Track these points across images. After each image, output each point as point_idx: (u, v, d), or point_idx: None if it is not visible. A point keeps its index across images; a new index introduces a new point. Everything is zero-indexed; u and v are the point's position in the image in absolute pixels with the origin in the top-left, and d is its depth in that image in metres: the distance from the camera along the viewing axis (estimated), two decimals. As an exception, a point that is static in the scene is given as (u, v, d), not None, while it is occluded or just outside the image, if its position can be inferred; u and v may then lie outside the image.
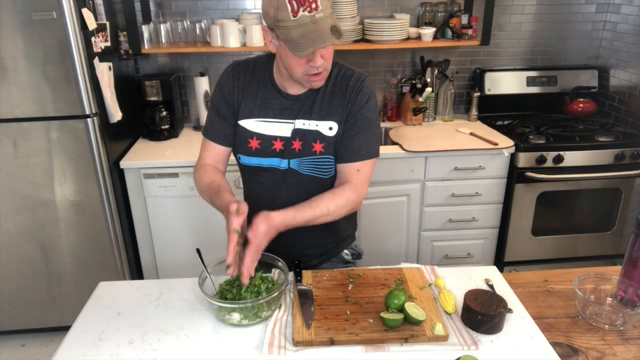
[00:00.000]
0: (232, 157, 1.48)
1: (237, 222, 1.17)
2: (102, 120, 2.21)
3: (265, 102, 1.37)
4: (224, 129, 1.41)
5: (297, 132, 1.35)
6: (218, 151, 1.44)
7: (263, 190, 1.43)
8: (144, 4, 2.66)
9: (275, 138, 1.36)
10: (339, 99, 1.35)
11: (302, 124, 1.35)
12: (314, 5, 1.15)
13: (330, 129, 1.35)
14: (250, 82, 1.38)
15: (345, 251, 1.59)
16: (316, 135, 1.35)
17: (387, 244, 2.65)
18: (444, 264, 2.72)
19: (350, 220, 1.58)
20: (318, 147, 1.35)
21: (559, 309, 1.29)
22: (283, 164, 1.38)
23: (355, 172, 1.35)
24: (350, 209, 1.36)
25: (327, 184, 1.40)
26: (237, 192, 2.41)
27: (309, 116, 1.35)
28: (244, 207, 1.19)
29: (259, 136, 1.37)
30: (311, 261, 1.53)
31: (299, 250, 1.47)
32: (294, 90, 1.36)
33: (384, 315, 1.16)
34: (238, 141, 1.40)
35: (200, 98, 2.77)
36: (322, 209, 1.29)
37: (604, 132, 2.64)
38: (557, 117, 2.93)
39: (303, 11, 1.14)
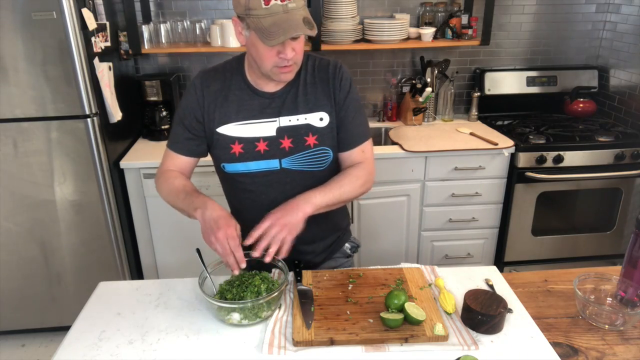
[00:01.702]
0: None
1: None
2: (102, 120, 2.21)
3: (242, 104, 1.34)
4: (188, 140, 1.38)
5: (283, 130, 1.33)
6: (182, 161, 1.40)
7: (255, 197, 1.40)
8: (144, 4, 2.66)
9: (257, 139, 1.34)
10: (323, 89, 1.34)
11: (287, 120, 1.33)
12: None
13: (321, 119, 1.35)
14: (222, 88, 1.34)
15: (347, 244, 1.59)
16: (307, 128, 1.34)
17: (387, 244, 2.65)
18: (444, 264, 2.72)
19: (345, 212, 1.59)
20: (311, 140, 1.34)
21: (559, 309, 1.29)
22: (273, 164, 1.35)
23: (361, 153, 1.39)
24: (367, 188, 1.39)
25: (324, 175, 1.38)
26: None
27: (294, 111, 1.34)
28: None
29: (241, 140, 1.34)
30: (315, 259, 1.52)
31: (304, 248, 1.46)
32: (270, 87, 1.34)
33: (384, 315, 1.16)
34: (219, 150, 1.36)
35: (200, 98, 2.76)
36: (344, 187, 1.32)
37: (604, 132, 2.64)
38: (557, 117, 2.93)
39: (275, 0, 1.14)
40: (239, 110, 1.34)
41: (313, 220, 1.41)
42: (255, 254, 1.19)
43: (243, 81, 1.35)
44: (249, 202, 1.42)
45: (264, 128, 1.34)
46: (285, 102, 1.34)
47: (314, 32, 1.18)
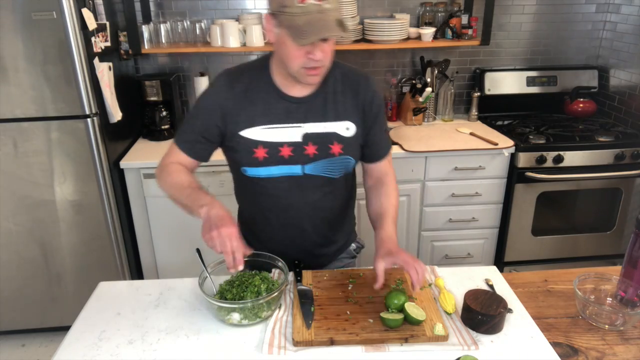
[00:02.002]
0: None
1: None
2: (102, 120, 2.21)
3: (269, 107, 1.29)
4: (196, 143, 1.33)
5: (309, 137, 1.30)
6: (187, 162, 1.35)
7: (274, 201, 1.37)
8: (144, 4, 2.66)
9: (282, 144, 1.30)
10: (352, 99, 1.33)
11: (314, 127, 1.30)
12: None
13: (347, 129, 1.33)
14: (247, 89, 1.30)
15: (352, 244, 1.59)
16: (333, 137, 1.32)
17: (387, 244, 2.65)
18: (444, 264, 2.72)
19: (352, 213, 1.59)
20: (336, 148, 1.32)
21: (559, 309, 1.29)
22: (296, 170, 1.32)
23: (387, 164, 1.46)
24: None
25: (339, 182, 1.39)
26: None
27: (321, 118, 1.31)
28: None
29: (265, 144, 1.29)
30: (321, 259, 1.51)
31: (319, 251, 1.47)
32: (297, 92, 1.30)
33: (384, 315, 1.16)
34: (242, 153, 1.31)
35: (200, 98, 2.76)
36: (397, 207, 1.42)
37: (604, 132, 2.64)
38: (557, 117, 2.93)
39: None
40: (264, 113, 1.29)
41: (329, 225, 1.43)
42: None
43: (269, 83, 1.30)
44: (267, 205, 1.39)
45: (289, 133, 1.30)
46: (313, 108, 1.31)
47: (346, 35, 1.17)
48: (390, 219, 1.37)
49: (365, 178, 1.49)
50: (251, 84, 1.30)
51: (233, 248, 1.14)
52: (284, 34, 1.17)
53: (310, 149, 1.31)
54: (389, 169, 1.46)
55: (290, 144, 1.30)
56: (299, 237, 1.43)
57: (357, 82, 1.34)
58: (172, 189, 1.31)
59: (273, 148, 1.30)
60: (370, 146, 1.40)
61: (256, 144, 1.30)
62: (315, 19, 1.12)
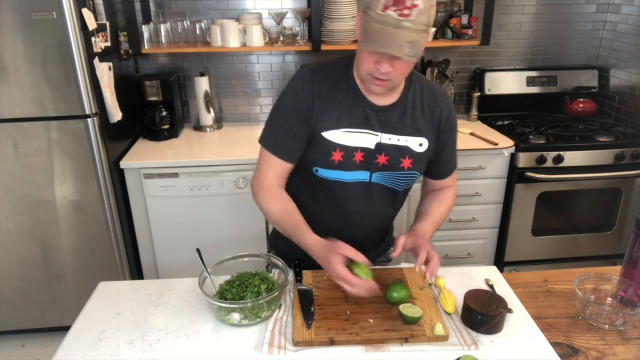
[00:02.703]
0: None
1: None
2: (102, 120, 2.21)
3: (350, 110, 1.27)
4: (291, 144, 1.29)
5: (382, 147, 1.29)
6: (282, 168, 1.32)
7: (338, 205, 1.35)
8: (144, 4, 2.66)
9: (356, 149, 1.28)
10: (428, 116, 1.32)
11: (388, 138, 1.29)
12: (406, 12, 1.06)
13: (420, 145, 1.32)
14: (331, 90, 1.27)
15: (391, 248, 1.57)
16: (406, 151, 1.31)
17: (387, 244, 2.65)
18: (444, 264, 2.72)
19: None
20: (406, 162, 1.31)
21: (559, 309, 1.29)
22: (364, 176, 1.31)
23: (452, 179, 1.47)
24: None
25: (400, 194, 1.40)
26: (237, 191, 2.42)
27: (398, 131, 1.29)
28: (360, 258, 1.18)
29: (342, 148, 1.27)
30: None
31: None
32: (377, 99, 1.28)
33: (402, 310, 1.16)
34: (319, 154, 1.29)
35: (200, 98, 2.77)
36: (444, 217, 1.43)
37: (604, 132, 2.64)
38: (557, 117, 2.93)
39: (393, 11, 1.06)
40: (345, 116, 1.27)
41: (380, 233, 1.45)
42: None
43: (352, 86, 1.28)
44: (330, 208, 1.37)
45: (364, 139, 1.28)
46: (390, 119, 1.29)
47: (411, 59, 1.12)
48: (431, 220, 1.38)
49: (425, 186, 1.50)
50: (335, 85, 1.28)
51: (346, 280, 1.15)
52: (360, 34, 1.16)
53: (382, 159, 1.30)
54: (452, 183, 1.47)
55: (363, 149, 1.28)
56: (352, 242, 1.41)
57: (435, 98, 1.32)
58: (273, 219, 1.34)
59: (349, 152, 1.28)
60: (439, 164, 1.41)
61: (335, 146, 1.28)
62: (388, 33, 1.08)
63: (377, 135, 1.29)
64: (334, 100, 1.27)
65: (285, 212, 1.30)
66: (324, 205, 1.37)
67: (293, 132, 1.28)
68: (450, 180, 1.46)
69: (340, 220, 1.38)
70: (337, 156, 1.28)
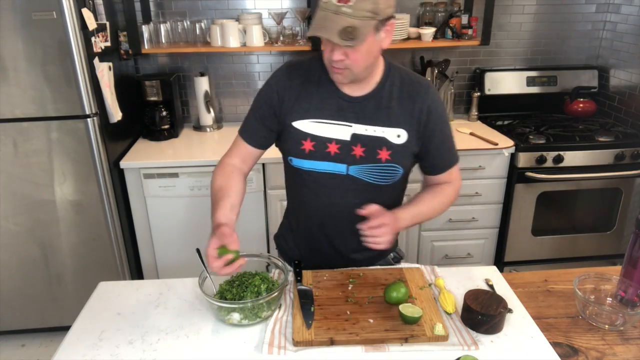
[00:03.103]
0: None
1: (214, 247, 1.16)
2: (102, 120, 2.21)
3: (322, 101, 1.31)
4: (258, 131, 1.37)
5: (357, 138, 1.30)
6: (248, 152, 1.40)
7: (315, 196, 1.38)
8: (144, 4, 2.66)
9: (330, 140, 1.30)
10: (407, 106, 1.30)
11: (364, 129, 1.30)
12: None
13: (399, 136, 1.31)
14: (305, 82, 1.32)
15: (391, 254, 1.57)
16: (382, 142, 1.30)
17: (387, 244, 2.65)
18: (444, 264, 2.72)
19: None
20: (384, 154, 1.31)
21: (559, 309, 1.29)
22: (341, 168, 1.32)
23: (449, 176, 1.41)
24: (450, 205, 1.44)
25: (385, 190, 1.37)
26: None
27: (372, 122, 1.30)
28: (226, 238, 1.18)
29: (313, 137, 1.31)
30: (354, 264, 1.48)
31: (354, 257, 1.45)
32: (351, 90, 1.30)
33: (402, 310, 1.16)
34: (291, 143, 1.34)
35: (200, 98, 2.77)
36: (435, 209, 1.39)
37: (604, 132, 2.64)
38: (557, 117, 2.93)
39: None
40: (316, 107, 1.31)
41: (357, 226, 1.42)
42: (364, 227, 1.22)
43: (326, 78, 1.31)
44: (309, 199, 1.40)
45: (338, 130, 1.30)
46: (366, 109, 1.30)
47: (344, 43, 1.12)
48: (415, 209, 1.36)
49: (424, 182, 1.48)
50: (309, 77, 1.33)
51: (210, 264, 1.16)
52: None
53: (358, 151, 1.30)
54: (451, 179, 1.43)
55: (338, 142, 1.31)
56: (336, 237, 1.43)
57: (416, 88, 1.32)
58: (212, 191, 1.36)
59: (321, 143, 1.31)
60: (430, 159, 1.37)
61: (305, 136, 1.32)
62: (327, 18, 1.12)
63: (350, 126, 1.30)
64: (307, 92, 1.32)
65: (220, 189, 1.33)
66: (304, 197, 1.41)
67: (262, 120, 1.36)
68: (447, 176, 1.41)
69: (320, 211, 1.40)
70: (307, 145, 1.32)
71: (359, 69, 1.22)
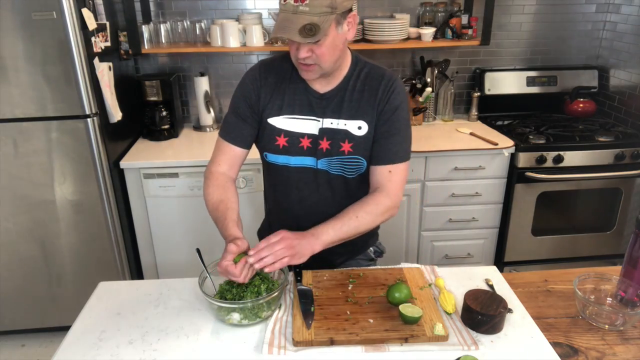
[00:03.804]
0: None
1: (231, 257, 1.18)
2: (102, 120, 2.21)
3: (294, 98, 1.35)
4: (241, 129, 1.38)
5: (324, 131, 1.34)
6: (235, 154, 1.40)
7: (289, 190, 1.42)
8: (144, 4, 2.66)
9: (302, 135, 1.35)
10: (369, 98, 1.33)
11: (329, 122, 1.34)
12: None
13: (359, 128, 1.34)
14: (278, 79, 1.36)
15: (371, 248, 1.59)
16: (344, 134, 1.34)
17: (387, 244, 2.64)
18: (444, 264, 2.72)
19: None
20: (346, 146, 1.34)
21: (559, 309, 1.29)
22: (311, 162, 1.37)
23: (387, 173, 1.35)
24: (389, 215, 1.36)
25: (354, 183, 1.40)
26: (241, 192, 2.42)
27: (337, 115, 1.34)
28: (239, 248, 1.19)
29: (287, 133, 1.35)
30: (338, 259, 1.52)
31: (328, 255, 1.43)
32: (320, 87, 1.34)
33: (403, 310, 1.16)
34: (266, 139, 1.38)
35: (200, 98, 2.77)
36: (361, 219, 1.30)
37: (604, 132, 2.63)
38: (557, 117, 2.93)
39: None
40: (289, 103, 1.36)
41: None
42: (251, 259, 1.17)
43: (297, 76, 1.35)
44: (283, 194, 1.44)
45: (308, 125, 1.35)
46: (331, 104, 1.34)
47: (305, 41, 1.16)
48: (338, 219, 1.29)
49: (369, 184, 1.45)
50: (282, 75, 1.37)
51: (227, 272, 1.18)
52: None
53: (324, 144, 1.34)
54: (386, 180, 1.35)
55: (310, 136, 1.35)
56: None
57: (378, 81, 1.34)
58: (208, 207, 1.37)
59: (294, 138, 1.35)
60: (374, 147, 1.35)
61: (279, 132, 1.36)
62: (287, 19, 1.17)
63: (319, 120, 1.35)
64: (280, 88, 1.36)
65: (221, 202, 1.34)
66: (279, 192, 1.45)
67: (243, 118, 1.38)
68: (384, 173, 1.35)
69: (295, 206, 1.43)
70: (281, 141, 1.36)
71: (327, 63, 1.25)
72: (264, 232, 1.61)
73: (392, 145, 1.34)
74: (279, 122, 1.36)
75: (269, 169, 1.44)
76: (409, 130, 1.38)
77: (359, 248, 1.55)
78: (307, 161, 1.37)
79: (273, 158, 1.39)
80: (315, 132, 1.34)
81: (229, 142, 1.40)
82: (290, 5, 1.16)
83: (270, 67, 1.38)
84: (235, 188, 1.41)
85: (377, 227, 1.61)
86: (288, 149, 1.36)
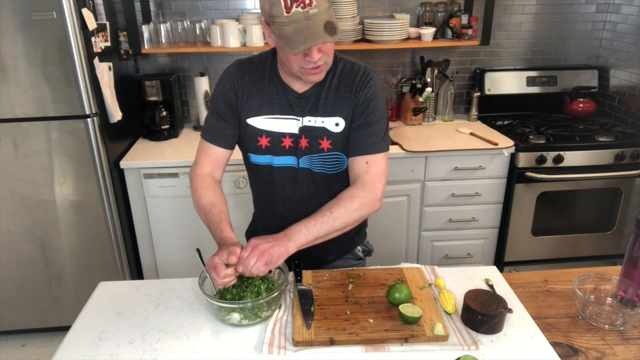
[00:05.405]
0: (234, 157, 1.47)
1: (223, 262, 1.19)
2: (102, 120, 2.21)
3: (272, 98, 1.35)
4: (223, 130, 1.38)
5: (303, 130, 1.34)
6: (218, 155, 1.40)
7: (273, 190, 1.42)
8: (144, 4, 2.66)
9: (284, 135, 1.35)
10: (344, 94, 1.33)
11: (308, 121, 1.34)
12: (307, 1, 1.12)
13: (337, 125, 1.34)
14: (256, 79, 1.35)
15: (359, 247, 1.59)
16: (322, 132, 1.34)
17: (387, 244, 2.65)
18: (444, 264, 2.72)
19: None
20: (325, 144, 1.34)
21: (559, 309, 1.29)
22: (292, 161, 1.37)
23: (364, 165, 1.33)
24: (369, 209, 1.32)
25: (336, 180, 1.40)
26: (237, 191, 2.43)
27: (315, 113, 1.34)
28: (233, 259, 1.19)
29: (268, 134, 1.35)
30: (321, 255, 1.51)
31: (315, 252, 1.43)
32: (299, 87, 1.34)
33: (402, 310, 1.16)
34: (247, 140, 1.38)
35: (200, 98, 2.77)
36: (336, 215, 1.27)
37: (604, 132, 2.63)
38: (557, 117, 2.93)
39: (297, 7, 1.12)
40: (269, 104, 1.35)
41: None
42: (234, 271, 1.20)
43: (275, 76, 1.35)
44: (268, 194, 1.45)
45: (289, 125, 1.35)
46: (310, 103, 1.34)
47: (334, 38, 1.15)
48: (312, 218, 1.27)
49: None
50: (260, 75, 1.36)
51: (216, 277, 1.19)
52: (278, 42, 1.20)
53: (304, 142, 1.35)
54: (363, 171, 1.32)
55: (291, 135, 1.35)
56: None
57: (353, 77, 1.34)
58: (199, 210, 1.38)
59: (276, 138, 1.35)
60: (350, 139, 1.34)
61: (260, 132, 1.36)
62: (303, 27, 1.13)
63: (299, 119, 1.35)
64: (258, 89, 1.35)
65: (213, 205, 1.34)
66: (263, 192, 1.46)
67: (224, 118, 1.37)
68: (361, 165, 1.33)
69: (280, 206, 1.43)
70: (263, 142, 1.36)
71: (331, 57, 1.26)
72: (251, 233, 1.63)
73: (367, 136, 1.33)
74: (260, 122, 1.35)
75: (252, 169, 1.44)
76: (386, 122, 1.38)
77: (347, 247, 1.55)
78: (289, 160, 1.37)
79: (256, 159, 1.39)
80: (296, 131, 1.34)
81: (211, 142, 1.39)
82: (298, 14, 1.12)
83: (246, 65, 1.37)
84: (222, 190, 1.41)
85: (365, 225, 1.62)
86: (271, 149, 1.36)
